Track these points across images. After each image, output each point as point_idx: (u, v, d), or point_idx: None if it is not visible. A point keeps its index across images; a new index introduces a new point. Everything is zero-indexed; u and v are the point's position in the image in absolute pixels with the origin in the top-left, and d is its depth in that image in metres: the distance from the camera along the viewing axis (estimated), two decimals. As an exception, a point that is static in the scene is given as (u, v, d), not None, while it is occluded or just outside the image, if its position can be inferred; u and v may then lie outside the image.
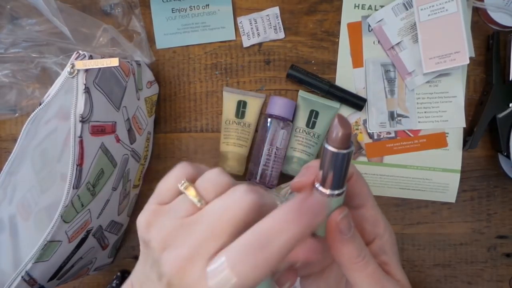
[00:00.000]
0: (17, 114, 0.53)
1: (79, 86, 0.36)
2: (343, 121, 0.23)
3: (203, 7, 0.53)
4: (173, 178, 0.24)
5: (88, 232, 0.42)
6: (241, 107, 0.53)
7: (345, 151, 0.23)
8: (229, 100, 0.53)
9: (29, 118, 0.37)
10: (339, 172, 0.24)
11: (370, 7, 0.53)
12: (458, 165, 0.54)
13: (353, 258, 0.25)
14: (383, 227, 0.28)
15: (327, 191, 0.24)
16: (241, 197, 0.21)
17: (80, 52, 0.36)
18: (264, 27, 0.53)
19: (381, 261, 0.27)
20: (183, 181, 0.23)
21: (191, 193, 0.23)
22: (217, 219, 0.21)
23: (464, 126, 0.54)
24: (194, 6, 0.53)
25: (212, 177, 0.23)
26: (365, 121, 0.54)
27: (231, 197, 0.22)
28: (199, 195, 0.23)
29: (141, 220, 0.23)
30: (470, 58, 0.49)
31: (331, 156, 0.23)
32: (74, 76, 0.35)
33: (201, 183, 0.23)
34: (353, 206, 0.28)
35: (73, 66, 0.35)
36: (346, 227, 0.25)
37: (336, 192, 0.24)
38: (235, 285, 0.19)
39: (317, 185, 0.25)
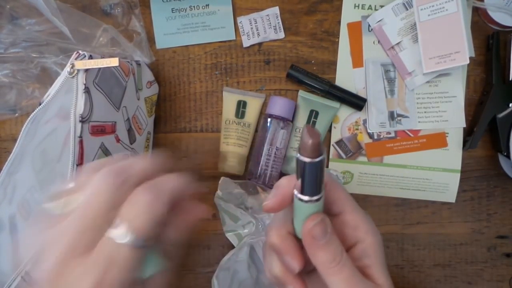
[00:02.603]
0: (17, 114, 0.53)
1: (79, 86, 0.36)
2: (312, 132, 0.24)
3: (203, 7, 0.53)
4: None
5: None
6: (241, 107, 0.53)
7: (316, 160, 0.24)
8: (229, 100, 0.53)
9: (29, 118, 0.37)
10: (313, 180, 0.25)
11: (370, 7, 0.53)
12: (458, 165, 0.54)
13: (327, 263, 0.26)
14: (364, 230, 0.28)
15: (305, 197, 0.25)
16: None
17: (80, 52, 0.36)
18: (264, 27, 0.53)
19: (363, 265, 0.28)
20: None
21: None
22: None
23: (464, 126, 0.54)
24: (194, 6, 0.53)
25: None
26: (365, 121, 0.54)
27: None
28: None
29: None
30: (470, 58, 0.49)
31: (304, 165, 0.24)
32: (74, 76, 0.35)
33: None
34: (332, 213, 0.29)
35: (73, 66, 0.35)
36: (319, 233, 0.26)
37: (314, 197, 0.25)
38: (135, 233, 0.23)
39: (295, 192, 0.26)
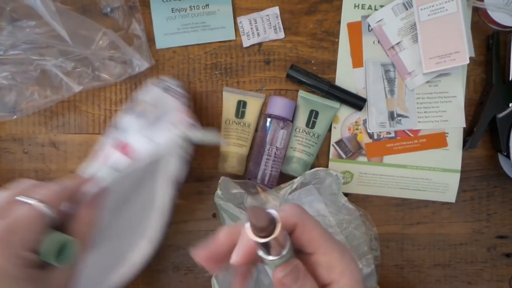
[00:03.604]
0: (15, 116, 0.53)
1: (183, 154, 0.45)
2: (258, 215, 0.23)
3: (203, 7, 0.53)
4: None
5: None
6: (241, 107, 0.53)
7: (269, 238, 0.23)
8: (229, 100, 0.53)
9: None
10: (271, 247, 0.24)
11: (370, 7, 0.53)
12: (458, 165, 0.54)
13: None
14: (339, 272, 0.27)
15: (269, 257, 0.25)
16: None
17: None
18: (264, 27, 0.53)
19: None
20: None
21: None
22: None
23: (464, 126, 0.54)
24: (194, 6, 0.53)
25: None
26: (365, 121, 0.54)
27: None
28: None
29: None
30: (470, 58, 0.49)
31: (258, 243, 0.24)
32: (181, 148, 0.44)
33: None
34: (306, 251, 0.28)
35: (188, 139, 0.42)
36: (290, 282, 0.26)
37: (277, 257, 0.25)
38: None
39: (260, 252, 0.25)
